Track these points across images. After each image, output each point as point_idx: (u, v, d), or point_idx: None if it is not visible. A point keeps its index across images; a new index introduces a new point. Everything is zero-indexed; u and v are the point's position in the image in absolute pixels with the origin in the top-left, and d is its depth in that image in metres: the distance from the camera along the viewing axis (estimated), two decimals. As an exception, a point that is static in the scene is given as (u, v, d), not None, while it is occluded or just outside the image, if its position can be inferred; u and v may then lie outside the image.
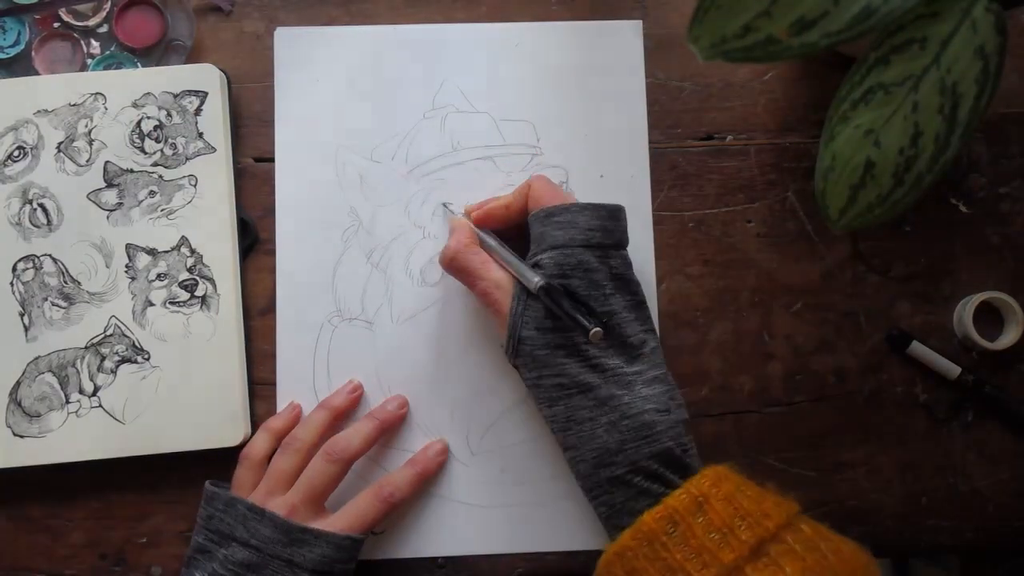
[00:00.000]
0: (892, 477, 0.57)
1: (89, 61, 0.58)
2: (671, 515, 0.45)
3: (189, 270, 0.55)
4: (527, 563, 0.55)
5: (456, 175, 0.58)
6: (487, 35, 0.60)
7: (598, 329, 0.47)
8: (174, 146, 0.56)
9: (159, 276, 0.55)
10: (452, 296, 0.57)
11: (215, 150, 0.56)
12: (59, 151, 0.56)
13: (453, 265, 0.53)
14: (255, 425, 0.55)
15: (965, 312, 0.57)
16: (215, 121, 0.56)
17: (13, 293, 0.55)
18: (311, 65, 0.59)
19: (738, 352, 0.58)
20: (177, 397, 0.54)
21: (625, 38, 0.60)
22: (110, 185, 0.56)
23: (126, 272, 0.55)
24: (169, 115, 0.56)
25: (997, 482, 0.57)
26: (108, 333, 0.54)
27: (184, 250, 0.55)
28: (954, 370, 0.57)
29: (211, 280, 0.55)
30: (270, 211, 0.57)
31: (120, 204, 0.56)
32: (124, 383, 0.54)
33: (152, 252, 0.55)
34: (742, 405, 0.57)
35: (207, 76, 0.56)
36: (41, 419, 0.53)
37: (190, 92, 0.56)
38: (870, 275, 0.59)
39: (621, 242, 0.53)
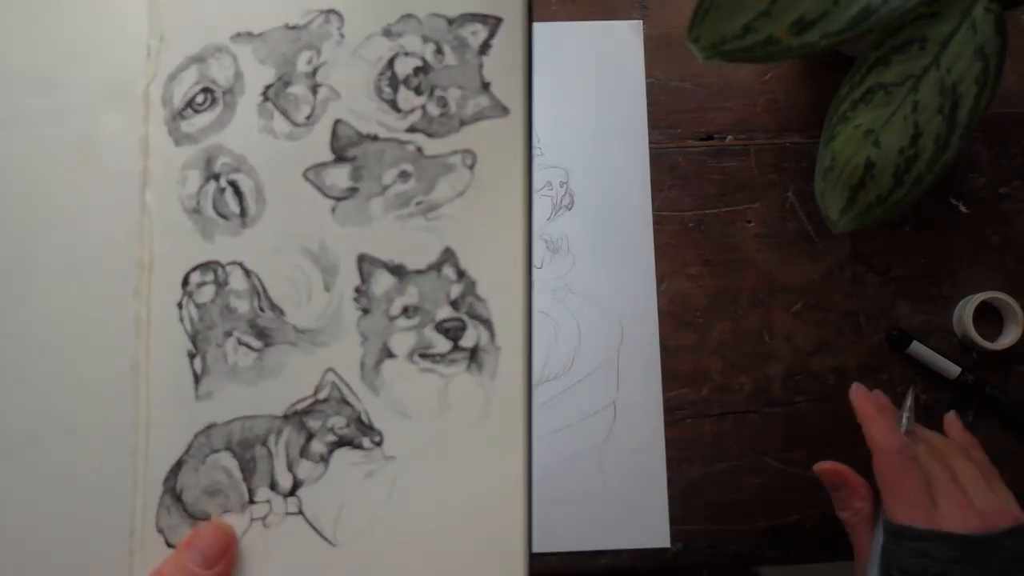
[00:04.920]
0: (892, 477, 0.57)
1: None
2: None
3: (454, 304, 0.35)
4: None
5: (456, 175, 0.58)
6: (487, 35, 0.60)
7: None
8: (444, 102, 0.36)
9: (406, 310, 0.35)
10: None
11: (507, 112, 0.35)
12: (265, 99, 0.36)
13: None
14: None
15: (965, 312, 0.57)
16: (511, 67, 0.35)
17: (181, 320, 0.35)
18: None
19: (738, 352, 0.58)
20: (420, 512, 0.34)
21: (625, 38, 0.60)
22: (340, 159, 0.36)
23: (355, 300, 0.36)
24: (439, 52, 0.36)
25: (997, 482, 0.57)
26: (321, 397, 0.35)
27: (448, 271, 0.35)
28: (954, 370, 0.57)
29: (487, 323, 0.35)
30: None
31: (354, 190, 0.36)
32: (340, 479, 0.35)
33: (398, 271, 0.36)
34: (742, 405, 0.57)
35: None
36: None
37: (474, 17, 0.36)
38: (870, 275, 0.59)
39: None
